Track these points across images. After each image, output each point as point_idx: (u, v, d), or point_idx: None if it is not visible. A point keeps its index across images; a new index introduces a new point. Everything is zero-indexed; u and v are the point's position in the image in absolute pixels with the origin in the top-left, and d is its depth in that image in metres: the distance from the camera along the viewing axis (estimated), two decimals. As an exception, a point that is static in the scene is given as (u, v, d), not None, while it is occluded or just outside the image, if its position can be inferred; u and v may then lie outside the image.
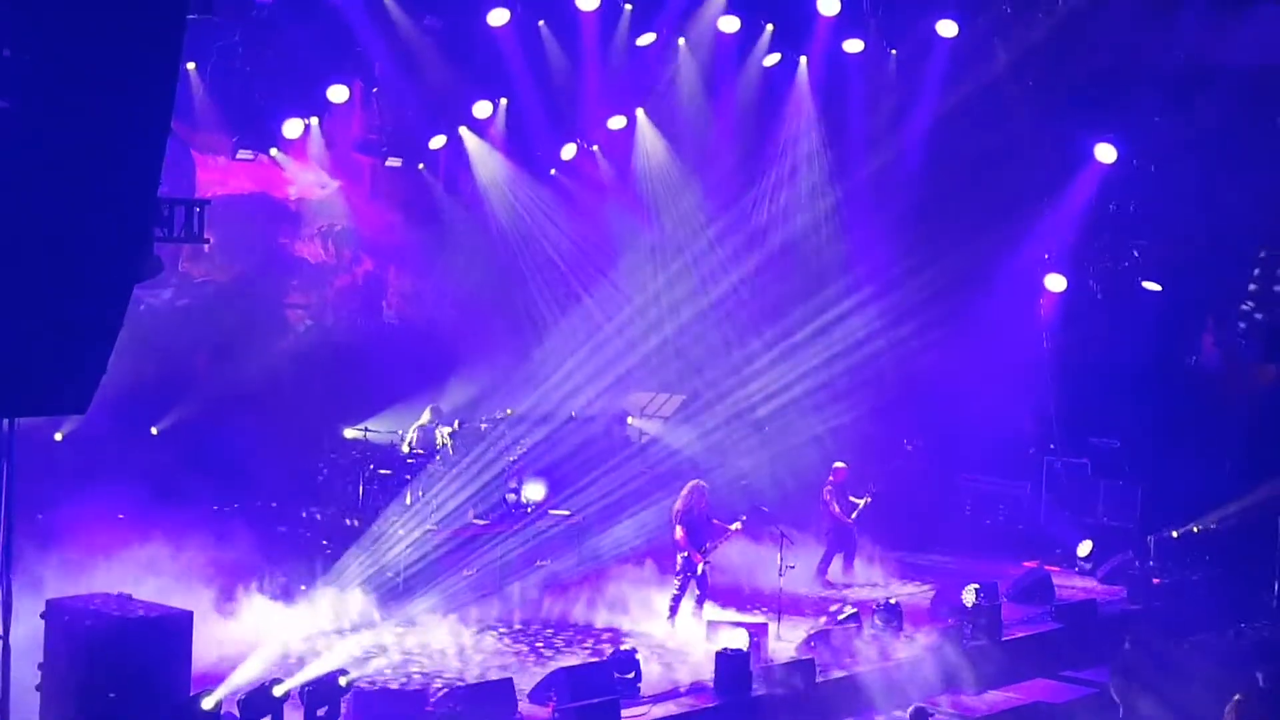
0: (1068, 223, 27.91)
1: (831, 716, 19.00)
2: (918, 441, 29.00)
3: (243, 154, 24.05)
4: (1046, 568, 24.81)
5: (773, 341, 28.93)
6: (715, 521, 21.26)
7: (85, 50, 10.68)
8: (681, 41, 27.26)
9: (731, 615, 21.17)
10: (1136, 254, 27.91)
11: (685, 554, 21.00)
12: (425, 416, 24.34)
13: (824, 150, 28.85)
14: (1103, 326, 28.19)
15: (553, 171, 28.52)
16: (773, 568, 21.25)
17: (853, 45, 27.06)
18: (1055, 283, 28.14)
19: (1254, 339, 26.80)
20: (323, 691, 16.06)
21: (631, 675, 18.14)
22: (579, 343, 28.05)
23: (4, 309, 10.81)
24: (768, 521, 22.45)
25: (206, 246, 20.88)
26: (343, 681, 16.22)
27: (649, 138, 28.83)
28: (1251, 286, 24.96)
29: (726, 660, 18.25)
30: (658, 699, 18.09)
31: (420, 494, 22.73)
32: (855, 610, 20.80)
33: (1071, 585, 24.84)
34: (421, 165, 27.03)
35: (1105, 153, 27.02)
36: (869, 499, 24.50)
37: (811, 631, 20.27)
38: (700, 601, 21.15)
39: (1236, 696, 16.51)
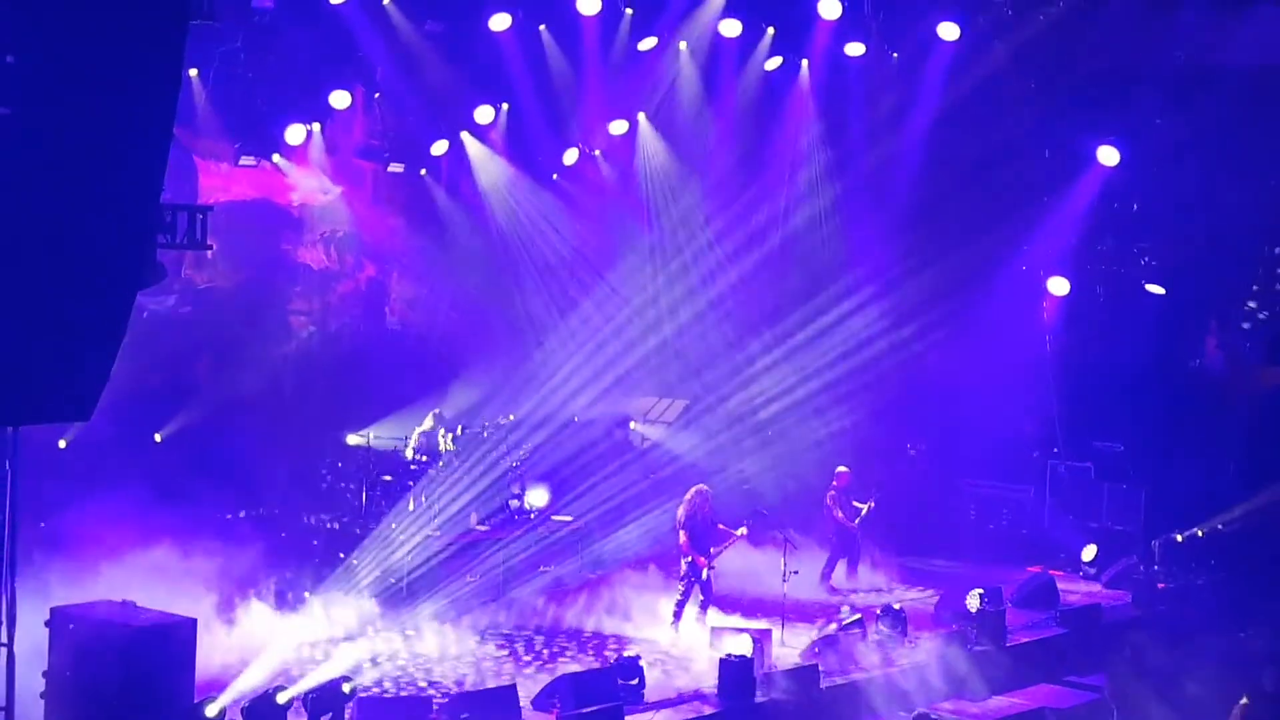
0: (1070, 225, 27.88)
1: (835, 722, 19.00)
2: (921, 445, 28.97)
3: (245, 160, 24.07)
4: (1050, 572, 24.76)
5: (774, 344, 28.90)
6: (720, 527, 21.23)
7: (88, 57, 10.69)
8: (683, 45, 27.23)
9: (735, 621, 21.13)
10: (1139, 256, 27.89)
11: (689, 559, 20.96)
12: (428, 422, 24.34)
13: (825, 153, 28.81)
14: (1105, 329, 28.17)
15: (555, 176, 28.51)
16: (776, 573, 21.21)
17: (854, 48, 27.05)
18: (1058, 285, 28.11)
19: (1257, 341, 26.83)
20: (326, 698, 16.04)
21: (635, 681, 18.10)
22: (580, 347, 28.03)
23: (7, 315, 10.81)
24: (771, 526, 22.40)
25: (209, 253, 20.87)
26: (346, 688, 16.20)
27: (650, 142, 28.82)
28: (1255, 286, 24.93)
29: (730, 666, 18.22)
30: (661, 705, 18.05)
31: (423, 500, 22.74)
32: (859, 615, 20.74)
33: (1076, 590, 24.78)
34: (424, 170, 27.03)
35: (1107, 155, 27.01)
36: (872, 504, 24.46)
37: (815, 637, 20.23)
38: (704, 607, 21.11)
39: (1243, 700, 16.51)
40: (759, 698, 18.29)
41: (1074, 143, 27.21)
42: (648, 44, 26.75)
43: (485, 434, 24.51)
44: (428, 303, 28.19)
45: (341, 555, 21.72)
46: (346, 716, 16.15)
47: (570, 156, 28.38)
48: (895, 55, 27.54)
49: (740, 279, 29.22)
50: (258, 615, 19.64)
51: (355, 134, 26.13)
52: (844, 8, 26.01)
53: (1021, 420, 28.16)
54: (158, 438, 23.80)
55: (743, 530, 21.28)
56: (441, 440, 23.95)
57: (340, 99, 24.44)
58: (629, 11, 26.19)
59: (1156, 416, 26.86)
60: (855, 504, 24.41)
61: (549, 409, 26.29)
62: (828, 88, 28.07)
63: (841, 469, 24.65)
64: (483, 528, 23.37)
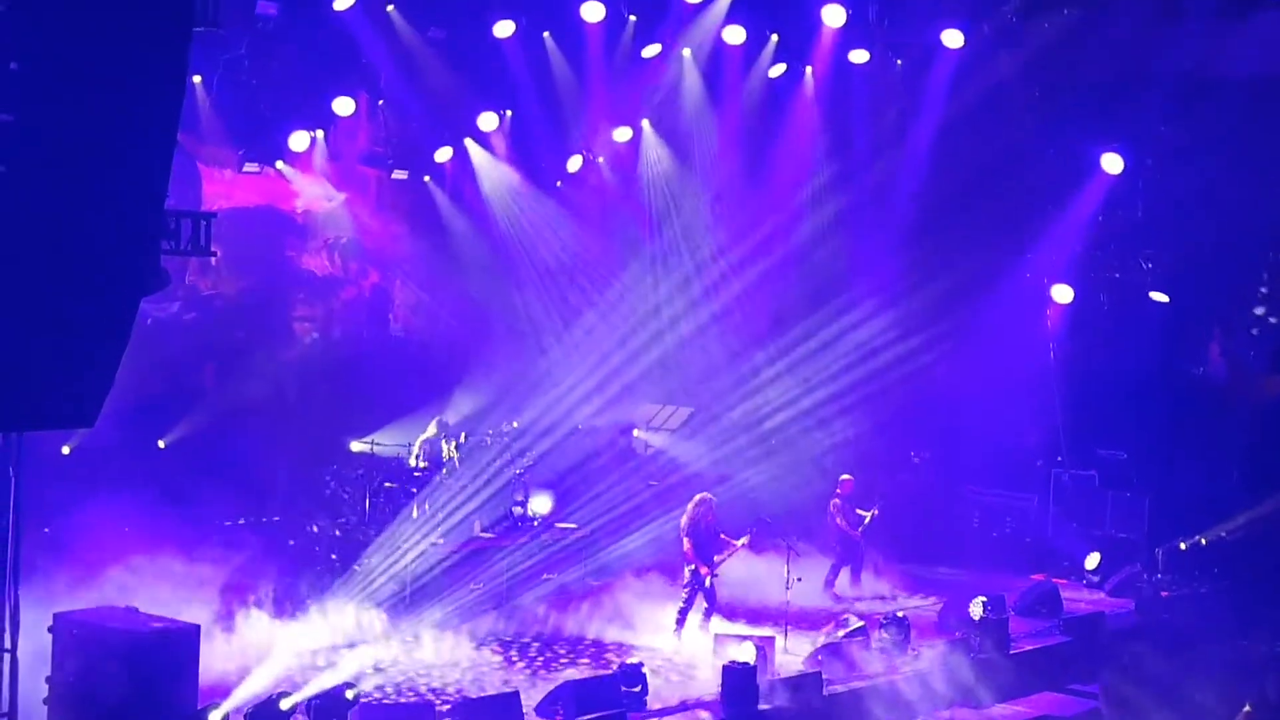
0: (1074, 233, 27.88)
1: (839, 730, 18.99)
2: (925, 454, 28.96)
3: (249, 167, 24.06)
4: (1054, 580, 24.77)
5: (778, 353, 28.90)
6: (722, 536, 21.21)
7: (92, 63, 10.70)
8: (686, 52, 27.24)
9: (739, 628, 21.10)
10: (1143, 264, 27.89)
11: (692, 567, 20.96)
12: (431, 429, 24.33)
13: (829, 161, 28.78)
14: (1109, 337, 28.15)
15: (558, 183, 28.52)
16: (780, 581, 21.19)
17: (858, 55, 27.04)
18: (1062, 293, 28.10)
19: (1261, 349, 26.80)
20: (329, 705, 16.02)
21: (638, 688, 18.09)
22: (584, 354, 28.03)
23: (11, 321, 10.82)
24: (774, 534, 22.38)
25: (213, 259, 20.78)
26: (349, 695, 16.18)
27: (654, 149, 28.83)
28: (1263, 290, 24.91)
29: (733, 673, 18.18)
30: (664, 713, 18.06)
31: (426, 507, 22.72)
32: (863, 623, 20.72)
33: (1079, 598, 24.78)
34: (427, 177, 27.04)
35: (1112, 163, 27.01)
36: (876, 511, 24.46)
37: (819, 644, 20.20)
38: (707, 614, 21.10)
39: (1246, 708, 16.50)
40: (762, 705, 18.24)
41: (1078, 150, 27.21)
42: (651, 51, 26.75)
43: (489, 441, 24.51)
44: (431, 309, 28.19)
45: (345, 562, 21.70)
46: (349, 723, 16.16)
47: (574, 163, 28.39)
48: (899, 62, 27.54)
49: (744, 287, 29.21)
50: (260, 622, 19.63)
51: (359, 141, 26.14)
52: (848, 15, 26.02)
53: (1025, 428, 28.14)
54: (161, 444, 23.79)
55: (745, 538, 21.27)
56: (445, 447, 23.95)
57: (344, 105, 24.44)
58: (632, 18, 26.19)
59: (1160, 424, 26.86)
60: (859, 512, 24.41)
61: (553, 416, 26.26)
62: (832, 95, 28.05)
63: (845, 477, 24.66)
64: (486, 535, 23.36)
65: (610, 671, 18.83)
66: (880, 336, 28.15)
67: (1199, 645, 21.61)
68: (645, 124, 28.54)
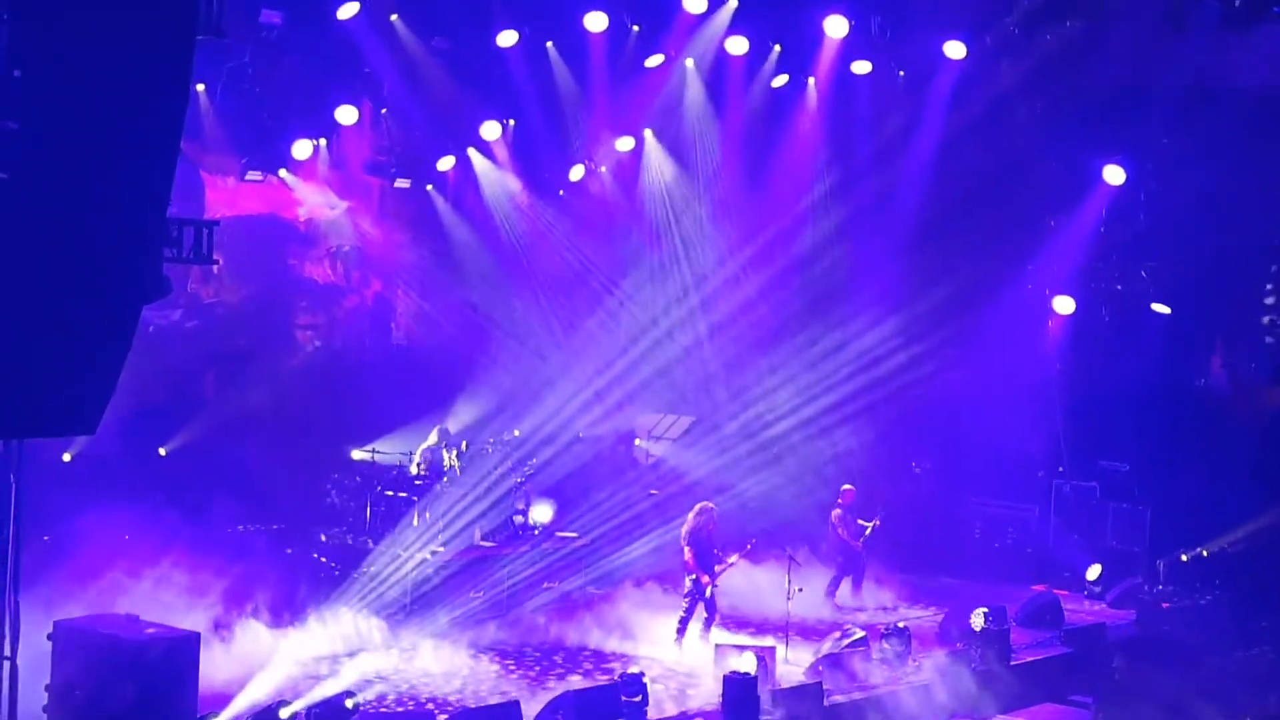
0: (1075, 244, 27.88)
1: (840, 740, 18.97)
2: (926, 464, 28.97)
3: (252, 175, 24.05)
4: (1055, 591, 24.76)
5: (780, 362, 28.91)
6: (716, 551, 21.19)
7: (95, 71, 10.70)
8: (689, 63, 27.24)
9: (739, 638, 21.10)
10: (1145, 276, 27.90)
11: (693, 576, 20.96)
12: (432, 438, 24.34)
13: (831, 171, 28.81)
14: (1111, 348, 28.15)
15: (561, 193, 28.54)
16: (781, 590, 21.17)
17: (861, 66, 27.05)
18: (1064, 304, 28.12)
19: (1263, 360, 26.78)
20: (329, 714, 16.04)
21: (639, 698, 18.06)
22: (585, 363, 28.04)
23: (12, 327, 10.81)
24: (776, 544, 22.38)
25: (215, 267, 20.84)
26: (349, 704, 16.20)
27: (656, 159, 28.85)
28: (1270, 300, 24.89)
29: (734, 683, 18.16)
30: (665, 722, 18.08)
31: (427, 515, 22.71)
32: (864, 634, 20.70)
33: (1081, 609, 24.79)
34: (430, 186, 27.05)
35: (1114, 174, 27.03)
36: (877, 522, 24.47)
37: (820, 655, 20.18)
38: (708, 624, 21.10)
39: (1247, 720, 16.49)
40: (763, 716, 18.22)
41: (1080, 162, 27.20)
42: (654, 61, 26.75)
43: (490, 450, 24.51)
44: (433, 318, 28.19)
45: (345, 570, 21.70)
46: (350, 732, 16.15)
47: (576, 173, 28.41)
48: (902, 74, 27.52)
49: (746, 297, 29.23)
50: (260, 630, 19.63)
51: (362, 149, 26.14)
52: (851, 26, 26.01)
53: (1027, 439, 28.12)
54: (162, 451, 23.79)
55: (747, 549, 21.25)
56: (446, 456, 23.95)
57: (347, 114, 24.45)
58: (635, 28, 26.19)
59: (1162, 436, 26.84)
60: (860, 522, 24.41)
61: (554, 425, 26.26)
62: (834, 106, 28.05)
63: (847, 487, 24.66)
64: (487, 544, 23.36)
65: (611, 681, 18.83)
66: (882, 346, 28.14)
67: (1201, 657, 21.60)
68: (648, 134, 28.56)
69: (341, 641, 20.18)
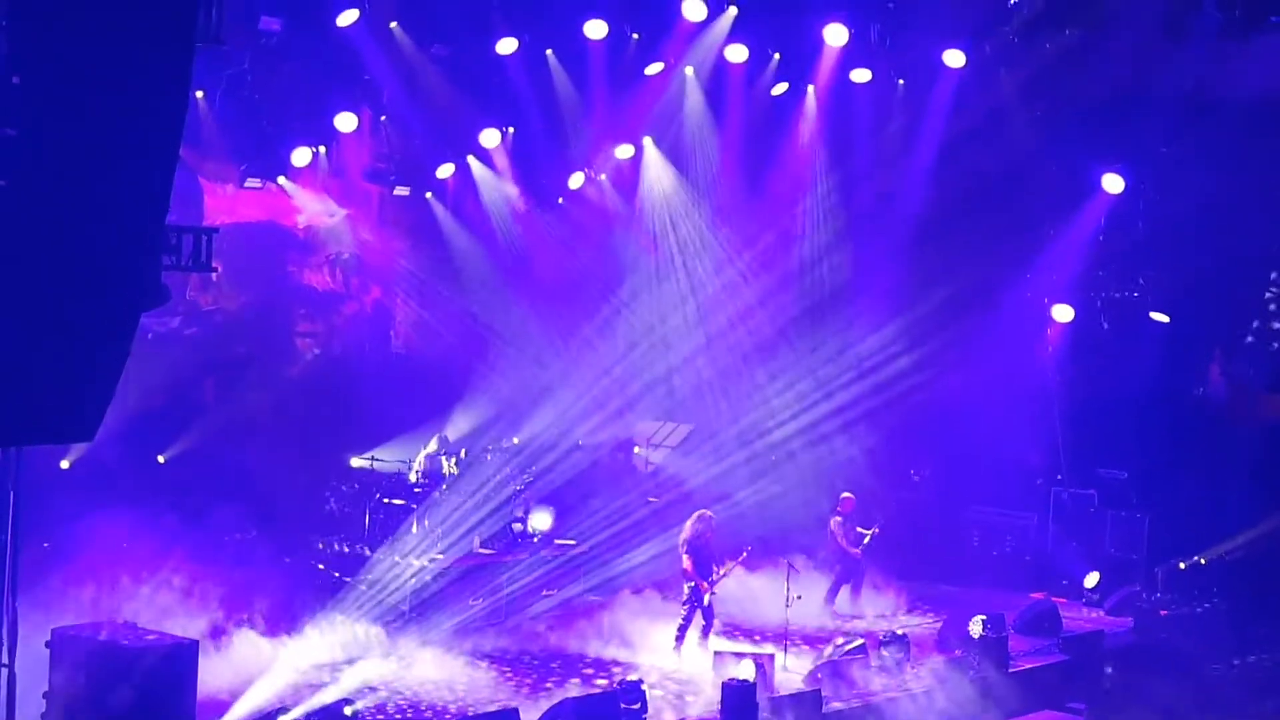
0: (1074, 252, 27.90)
1: (838, 747, 18.97)
2: (925, 472, 28.98)
3: (251, 182, 24.07)
4: (1053, 599, 24.74)
5: (779, 370, 28.94)
6: (713, 565, 21.19)
7: (94, 78, 10.72)
8: (689, 70, 27.28)
9: (738, 645, 21.10)
10: (1143, 284, 27.92)
11: (691, 583, 20.95)
12: (431, 445, 24.36)
13: (831, 179, 28.85)
14: (1110, 357, 28.15)
15: (560, 200, 28.57)
16: (779, 598, 21.18)
17: (860, 74, 27.07)
18: (1062, 313, 28.13)
19: (1261, 369, 26.82)
20: (328, 721, 16.04)
21: (638, 706, 18.05)
22: (584, 370, 28.05)
23: (11, 335, 10.82)
24: (774, 551, 22.39)
25: (214, 275, 20.86)
26: (348, 711, 16.19)
27: (656, 166, 28.87)
28: (1272, 307, 24.92)
29: (733, 691, 18.15)
30: (664, 729, 18.08)
31: (426, 523, 22.72)
32: (862, 641, 20.69)
33: (1079, 617, 24.77)
34: (429, 193, 27.07)
35: (1112, 182, 27.05)
36: (876, 529, 24.44)
37: (818, 662, 20.18)
38: (706, 631, 21.09)
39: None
40: (761, 722, 18.28)
41: (1079, 170, 27.22)
42: (654, 69, 26.79)
43: (488, 457, 24.51)
44: (432, 325, 28.20)
45: (345, 578, 21.70)
46: (348, 739, 16.15)
47: (575, 180, 28.44)
48: (901, 82, 27.54)
49: (745, 304, 29.27)
50: (259, 638, 19.62)
51: (361, 156, 26.16)
52: (850, 34, 26.04)
53: (1025, 447, 28.12)
54: (161, 459, 23.80)
55: (743, 556, 21.24)
56: (445, 463, 23.96)
57: (346, 121, 24.46)
58: (635, 36, 26.23)
59: (1160, 444, 26.85)
60: (859, 530, 24.39)
61: (553, 432, 26.28)
62: (833, 114, 28.09)
63: (846, 494, 24.64)
64: (486, 551, 23.36)
65: (610, 688, 18.83)
66: (880, 353, 28.19)
67: (1198, 664, 21.60)
68: (647, 141, 28.59)
69: (340, 649, 20.15)
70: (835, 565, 24.42)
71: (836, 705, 19.18)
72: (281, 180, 24.75)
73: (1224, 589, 25.31)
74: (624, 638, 21.67)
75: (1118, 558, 26.58)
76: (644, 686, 18.42)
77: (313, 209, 26.13)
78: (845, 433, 28.14)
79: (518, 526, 23.97)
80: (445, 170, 26.83)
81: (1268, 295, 26.23)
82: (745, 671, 18.70)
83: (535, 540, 24.01)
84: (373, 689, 18.64)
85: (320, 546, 22.78)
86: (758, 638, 22.15)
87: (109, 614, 17.00)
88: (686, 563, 20.95)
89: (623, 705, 17.85)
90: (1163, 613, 24.42)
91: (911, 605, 25.15)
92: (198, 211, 23.87)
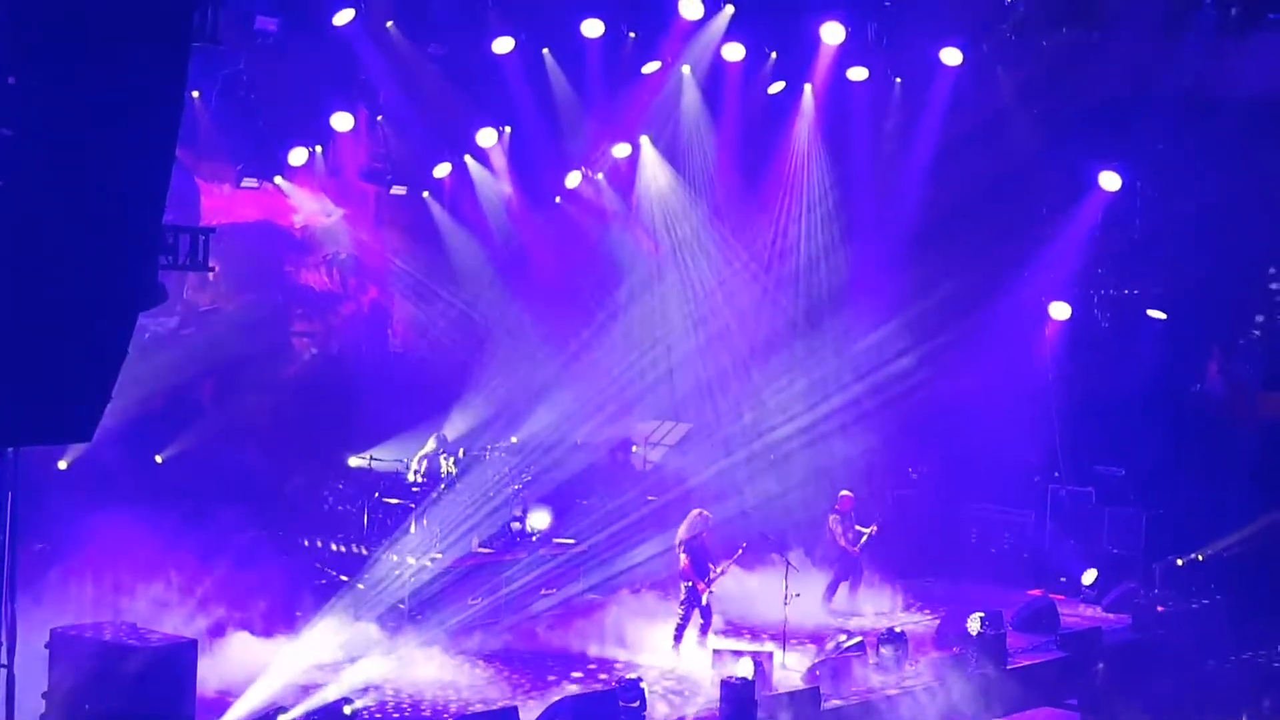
0: (1072, 250, 27.91)
1: (836, 745, 18.98)
2: (923, 469, 28.97)
3: (247, 182, 24.07)
4: (1051, 596, 24.76)
5: (777, 369, 28.94)
6: (710, 564, 21.19)
7: (90, 78, 10.72)
8: (686, 69, 27.28)
9: (736, 643, 21.11)
10: (1141, 281, 27.93)
11: (689, 582, 20.96)
12: (430, 444, 24.36)
13: (828, 177, 28.85)
14: (1108, 355, 28.18)
15: (557, 199, 28.57)
16: (778, 596, 21.19)
17: (857, 73, 27.07)
18: (1060, 310, 28.14)
19: (1258, 366, 26.84)
20: (327, 720, 16.04)
21: (636, 704, 18.07)
22: (582, 369, 28.05)
23: (8, 336, 10.83)
24: (772, 549, 22.40)
25: (211, 274, 20.88)
26: (347, 710, 16.20)
27: (653, 165, 28.87)
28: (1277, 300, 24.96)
29: (731, 689, 18.16)
30: (662, 728, 18.08)
31: (425, 522, 22.71)
32: (860, 638, 20.72)
33: (1076, 613, 24.78)
34: (426, 193, 27.06)
35: (1110, 180, 27.06)
36: (875, 527, 24.45)
37: (817, 660, 20.19)
38: (704, 630, 21.10)
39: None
40: (760, 720, 18.29)
41: (1076, 168, 27.24)
42: (651, 67, 26.79)
43: (487, 456, 24.50)
44: (429, 325, 28.20)
45: (343, 577, 21.70)
46: (346, 738, 16.16)
47: (573, 179, 28.44)
48: (898, 80, 27.55)
49: (743, 303, 29.27)
50: (258, 638, 19.62)
51: (358, 156, 26.12)
52: (847, 33, 26.05)
53: (1023, 444, 28.12)
54: (159, 459, 23.79)
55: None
56: (443, 463, 23.95)
57: (343, 121, 24.45)
58: (632, 35, 26.22)
59: (1158, 441, 26.85)
60: (858, 528, 24.39)
61: (551, 432, 26.28)
62: (831, 112, 28.10)
63: (844, 492, 24.65)
64: (485, 550, 23.35)
65: (609, 687, 18.84)
66: (878, 352, 28.21)
67: (1195, 660, 21.61)
68: (644, 140, 28.60)
69: (340, 648, 20.15)
70: (834, 563, 24.43)
71: (835, 703, 19.19)
72: (278, 180, 24.76)
73: (1222, 586, 25.32)
74: (623, 636, 21.67)
75: (1115, 555, 26.60)
76: (643, 685, 18.45)
77: (309, 209, 26.13)
78: (843, 431, 28.13)
79: (516, 526, 23.96)
80: (442, 169, 26.83)
81: (1273, 287, 26.26)
82: (744, 669, 18.71)
83: (534, 539, 24.00)
84: (373, 688, 18.65)
85: (319, 546, 22.77)
86: (756, 635, 22.16)
87: (108, 614, 17.00)
88: (684, 562, 20.96)
89: (622, 703, 17.87)
90: (1160, 609, 24.40)
91: (910, 603, 25.18)
92: (194, 211, 23.87)
